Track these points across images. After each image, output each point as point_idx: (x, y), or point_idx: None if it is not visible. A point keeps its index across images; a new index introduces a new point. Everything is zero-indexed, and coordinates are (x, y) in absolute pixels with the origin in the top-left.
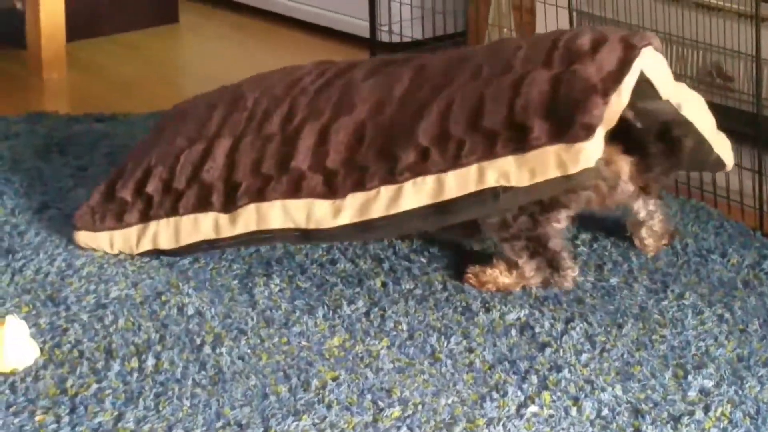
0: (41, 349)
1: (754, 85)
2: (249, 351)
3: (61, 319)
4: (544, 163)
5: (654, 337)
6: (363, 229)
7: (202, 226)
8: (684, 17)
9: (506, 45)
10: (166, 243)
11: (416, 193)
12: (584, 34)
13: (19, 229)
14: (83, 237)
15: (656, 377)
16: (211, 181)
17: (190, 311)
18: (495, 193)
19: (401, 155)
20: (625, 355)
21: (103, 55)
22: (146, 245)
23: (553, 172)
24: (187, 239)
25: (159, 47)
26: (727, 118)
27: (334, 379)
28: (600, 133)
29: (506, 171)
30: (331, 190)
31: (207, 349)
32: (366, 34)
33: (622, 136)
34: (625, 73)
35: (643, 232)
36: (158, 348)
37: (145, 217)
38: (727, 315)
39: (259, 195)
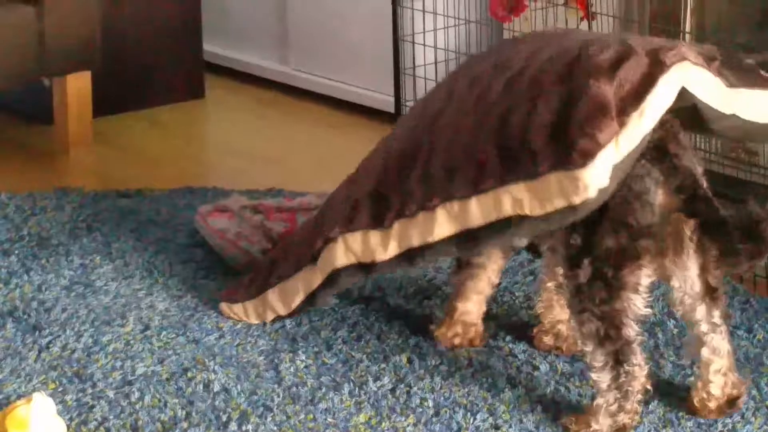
0: (68, 426)
1: None
2: (275, 428)
3: (87, 396)
4: (549, 192)
5: (680, 413)
6: (408, 259)
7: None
8: None
9: (540, 49)
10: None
11: (447, 221)
12: (611, 46)
13: (45, 306)
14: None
15: None
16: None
17: (216, 388)
18: (511, 222)
19: (432, 180)
20: None
21: (130, 130)
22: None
23: (559, 202)
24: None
25: (185, 122)
26: (752, 193)
27: None
28: (606, 158)
29: (520, 199)
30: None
31: (233, 426)
32: (391, 108)
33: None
34: (648, 90)
35: (711, 373)
36: (184, 425)
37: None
38: (753, 391)
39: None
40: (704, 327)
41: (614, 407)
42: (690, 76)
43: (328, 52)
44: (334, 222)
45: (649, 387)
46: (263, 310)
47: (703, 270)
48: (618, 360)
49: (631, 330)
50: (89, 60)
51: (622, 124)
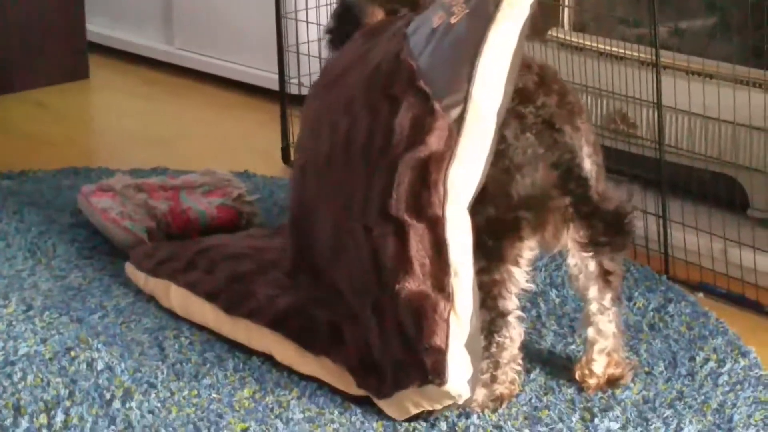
0: None
1: (656, 131)
2: (159, 404)
3: None
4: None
5: (561, 381)
6: None
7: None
8: (587, 65)
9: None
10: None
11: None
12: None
13: None
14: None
15: (564, 421)
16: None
17: (100, 366)
18: None
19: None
20: (533, 400)
21: (12, 111)
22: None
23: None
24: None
25: (69, 103)
26: (631, 164)
27: (244, 431)
28: (455, 356)
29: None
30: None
31: (117, 404)
32: (276, 86)
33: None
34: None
35: (595, 352)
36: (67, 404)
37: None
38: (633, 357)
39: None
40: (594, 307)
41: (487, 377)
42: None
43: (212, 31)
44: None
45: (521, 361)
46: (161, 296)
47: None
48: (490, 330)
49: (509, 303)
50: None
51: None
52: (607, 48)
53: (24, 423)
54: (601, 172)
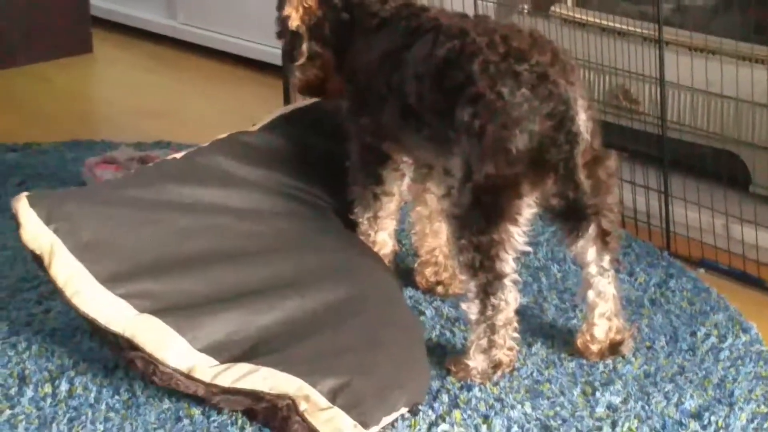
0: None
1: (659, 107)
2: None
3: None
4: None
5: (563, 355)
6: None
7: None
8: (590, 41)
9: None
10: None
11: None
12: None
13: None
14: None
15: (565, 394)
16: None
17: None
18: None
19: None
20: (535, 374)
21: (16, 85)
22: None
23: None
24: None
25: (73, 77)
26: (633, 140)
27: None
28: None
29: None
30: None
31: (120, 374)
32: (279, 61)
33: None
34: None
35: (596, 316)
36: (72, 373)
37: None
38: (634, 332)
39: None
40: (593, 269)
41: (485, 342)
42: None
43: (215, 5)
44: None
45: (517, 326)
46: None
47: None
48: (486, 292)
49: (506, 265)
50: None
51: None
52: (610, 24)
53: (29, 392)
54: (596, 128)
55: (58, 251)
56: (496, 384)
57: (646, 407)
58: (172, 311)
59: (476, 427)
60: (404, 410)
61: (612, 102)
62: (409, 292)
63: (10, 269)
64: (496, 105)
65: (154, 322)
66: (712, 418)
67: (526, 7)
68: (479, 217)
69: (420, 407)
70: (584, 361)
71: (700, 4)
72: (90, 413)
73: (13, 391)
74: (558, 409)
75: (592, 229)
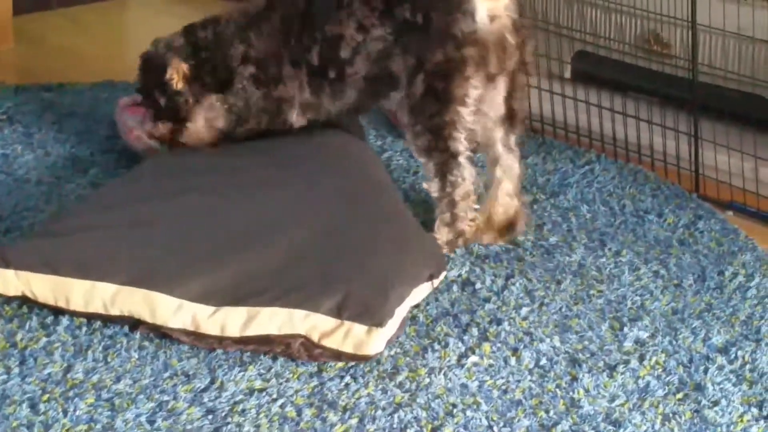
0: None
1: (690, 51)
2: None
3: None
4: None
5: (591, 292)
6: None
7: None
8: None
9: None
10: None
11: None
12: None
13: None
14: None
15: (593, 329)
16: None
17: None
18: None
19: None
20: (564, 309)
21: (51, 28)
22: None
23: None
24: None
25: (106, 20)
26: (664, 84)
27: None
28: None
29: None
30: None
31: None
32: None
33: None
34: None
35: (500, 194)
36: None
37: None
38: (662, 271)
39: None
40: (500, 148)
41: (447, 216)
42: None
43: None
44: None
45: (474, 196)
46: None
47: (510, 93)
48: (443, 171)
49: (459, 144)
50: None
51: None
52: None
53: (65, 320)
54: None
55: (32, 280)
56: (525, 318)
57: (674, 342)
58: (151, 277)
59: (505, 360)
60: (419, 292)
61: (643, 46)
62: None
63: (45, 203)
64: None
65: (139, 293)
66: (739, 353)
67: None
68: (432, 102)
69: (450, 339)
70: (613, 298)
71: None
72: (125, 341)
73: (49, 320)
74: (586, 343)
75: (501, 110)
